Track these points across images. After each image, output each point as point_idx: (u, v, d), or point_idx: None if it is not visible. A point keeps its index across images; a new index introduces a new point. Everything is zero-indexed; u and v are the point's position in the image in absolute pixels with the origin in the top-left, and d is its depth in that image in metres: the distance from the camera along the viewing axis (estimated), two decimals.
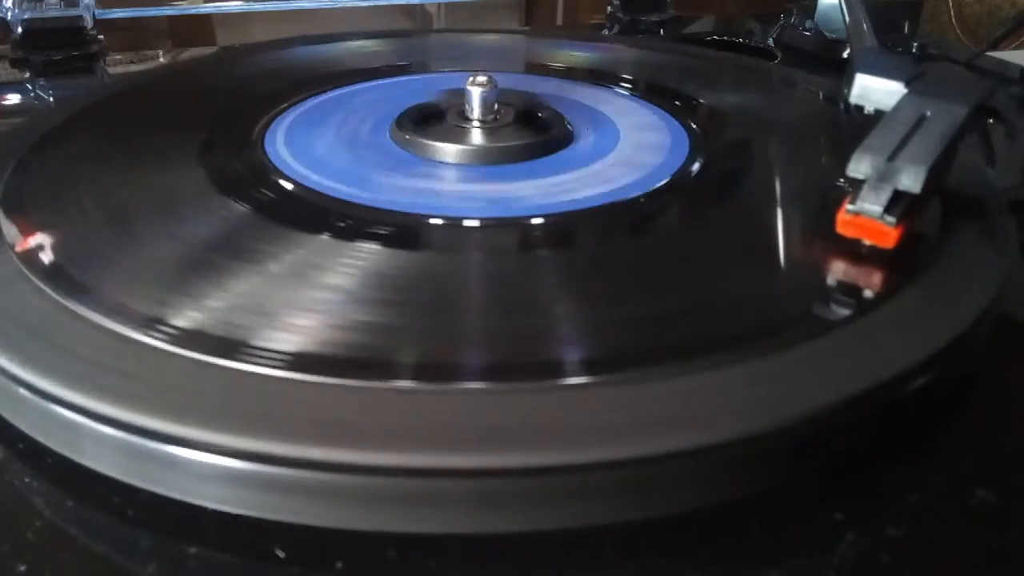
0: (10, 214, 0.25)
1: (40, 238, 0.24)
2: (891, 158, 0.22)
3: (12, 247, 0.23)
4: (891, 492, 0.19)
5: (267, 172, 0.28)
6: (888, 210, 0.22)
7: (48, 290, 0.21)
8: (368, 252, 0.23)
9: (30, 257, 0.22)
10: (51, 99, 0.46)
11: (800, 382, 0.18)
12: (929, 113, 0.24)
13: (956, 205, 0.25)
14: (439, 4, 1.14)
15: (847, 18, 0.35)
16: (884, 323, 0.20)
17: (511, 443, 0.17)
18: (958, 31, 0.78)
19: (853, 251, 0.23)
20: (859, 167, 0.22)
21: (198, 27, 0.83)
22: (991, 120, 0.39)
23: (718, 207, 0.28)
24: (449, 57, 0.44)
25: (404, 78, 0.40)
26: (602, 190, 0.27)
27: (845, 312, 0.21)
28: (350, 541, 0.17)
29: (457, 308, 0.21)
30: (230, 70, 0.42)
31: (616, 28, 0.62)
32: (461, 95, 0.32)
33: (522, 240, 0.25)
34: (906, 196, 0.22)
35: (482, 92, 0.31)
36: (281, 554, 0.17)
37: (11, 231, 0.24)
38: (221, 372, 0.18)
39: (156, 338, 0.19)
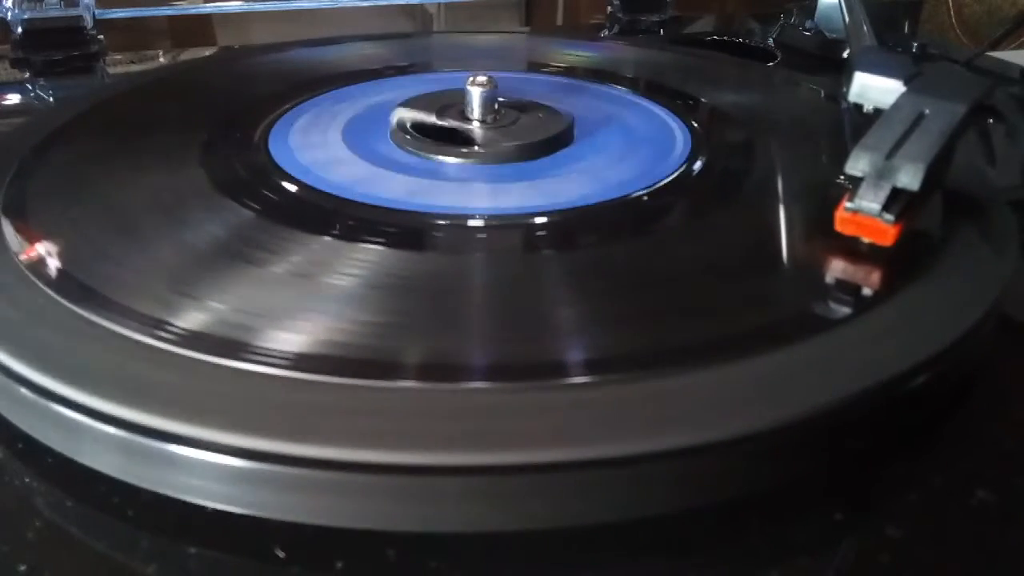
0: (11, 215, 0.25)
1: (41, 239, 0.24)
2: (889, 156, 0.22)
3: (13, 247, 0.23)
4: (891, 492, 0.19)
5: (270, 173, 0.28)
6: (886, 208, 0.22)
7: (49, 291, 0.21)
8: (369, 252, 0.23)
9: (31, 257, 0.22)
10: (51, 99, 0.46)
11: (799, 381, 0.18)
12: (927, 111, 0.24)
13: (956, 204, 0.25)
14: (439, 4, 1.14)
15: (847, 18, 0.35)
16: (883, 322, 0.20)
17: (511, 441, 0.17)
18: (958, 31, 0.78)
19: (852, 249, 0.23)
20: (857, 164, 0.22)
21: (198, 27, 0.83)
22: (991, 120, 0.39)
23: (718, 206, 0.28)
24: (450, 58, 0.44)
25: (405, 79, 0.40)
26: (603, 189, 0.27)
27: (843, 311, 0.21)
28: (350, 541, 0.17)
29: (458, 307, 0.21)
30: (232, 71, 0.42)
31: (616, 28, 0.62)
32: (462, 95, 0.32)
33: (523, 239, 0.25)
34: (904, 194, 0.22)
35: (482, 92, 0.31)
36: (281, 554, 0.17)
37: (12, 232, 0.24)
38: (222, 371, 0.18)
39: (157, 338, 0.19)
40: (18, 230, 0.24)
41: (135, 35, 0.67)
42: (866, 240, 0.23)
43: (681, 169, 0.29)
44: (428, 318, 0.21)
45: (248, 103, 0.35)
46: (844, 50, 0.50)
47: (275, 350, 0.19)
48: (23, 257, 0.22)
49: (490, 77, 0.31)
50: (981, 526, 0.18)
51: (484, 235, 0.25)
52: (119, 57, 0.53)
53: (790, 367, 0.19)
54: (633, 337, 0.20)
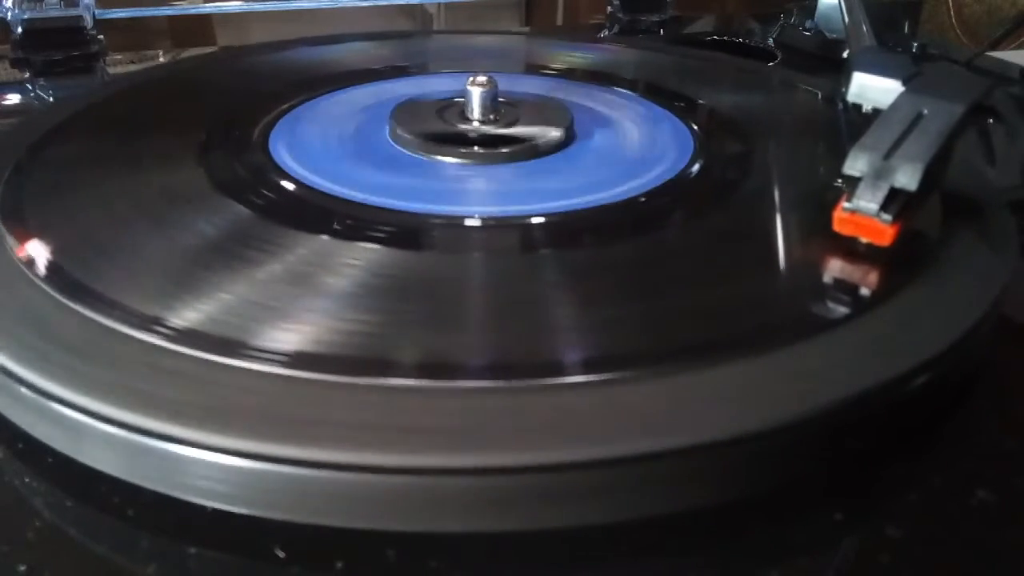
0: (10, 213, 0.25)
1: (40, 237, 0.24)
2: (887, 156, 0.22)
3: (12, 246, 0.23)
4: (891, 492, 0.19)
5: (269, 173, 0.28)
6: (884, 208, 0.22)
7: (48, 289, 0.21)
8: (368, 252, 0.23)
9: (30, 256, 0.22)
10: (51, 99, 0.46)
11: (798, 381, 0.18)
12: (926, 111, 0.24)
13: (955, 205, 0.25)
14: (439, 4, 1.14)
15: (846, 18, 0.35)
16: (883, 323, 0.20)
17: (511, 441, 0.17)
18: (958, 31, 0.78)
19: (850, 249, 0.23)
20: (855, 164, 0.22)
21: (198, 27, 0.83)
22: (991, 120, 0.39)
23: (717, 207, 0.28)
24: (450, 58, 0.44)
25: (405, 78, 0.40)
26: (603, 190, 0.27)
27: (842, 311, 0.21)
28: (350, 541, 0.17)
29: (456, 307, 0.21)
30: (231, 71, 0.42)
31: (616, 28, 0.62)
32: (462, 95, 0.32)
33: (522, 240, 0.25)
34: (903, 194, 0.22)
35: (482, 92, 0.31)
36: (281, 554, 0.17)
37: (11, 230, 0.24)
38: (222, 370, 0.18)
39: (157, 336, 0.19)
40: (18, 228, 0.24)
41: (135, 35, 0.67)
42: (864, 240, 0.23)
43: (680, 170, 0.29)
44: (428, 318, 0.21)
45: (248, 103, 0.35)
46: (844, 50, 0.50)
47: (275, 349, 0.19)
48: (21, 255, 0.22)
49: (490, 77, 0.31)
50: (981, 526, 0.18)
51: (483, 236, 0.25)
52: (119, 57, 0.53)
53: (790, 367, 0.19)
54: (630, 338, 0.20)
